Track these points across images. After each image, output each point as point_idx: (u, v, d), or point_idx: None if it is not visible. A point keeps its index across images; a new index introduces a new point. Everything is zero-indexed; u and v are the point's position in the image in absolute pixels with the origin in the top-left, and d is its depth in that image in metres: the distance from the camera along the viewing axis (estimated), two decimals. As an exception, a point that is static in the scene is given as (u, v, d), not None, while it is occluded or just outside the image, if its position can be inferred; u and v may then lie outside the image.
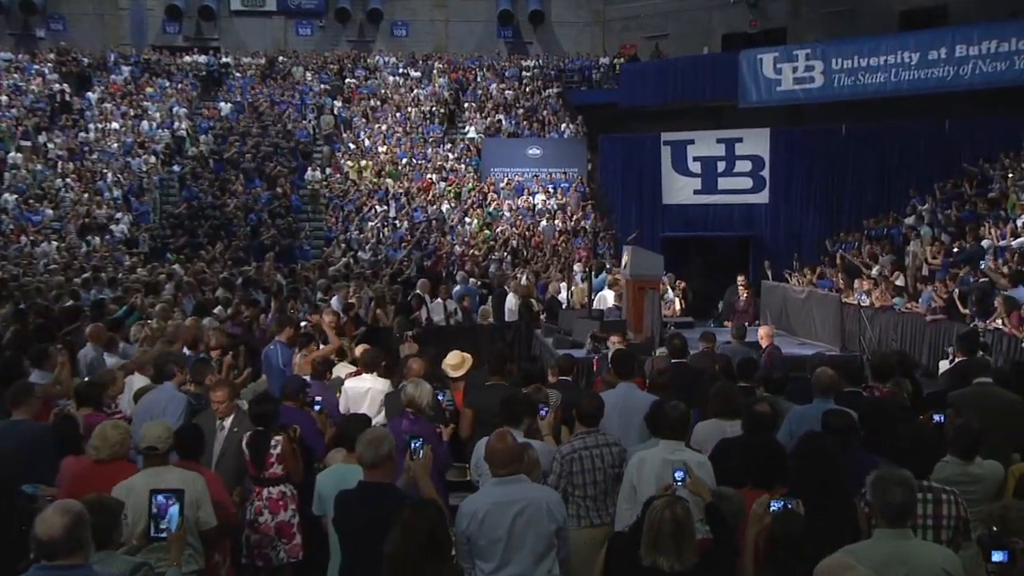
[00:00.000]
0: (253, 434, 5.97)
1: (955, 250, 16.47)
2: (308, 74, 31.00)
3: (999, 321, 12.72)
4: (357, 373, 7.95)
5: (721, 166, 23.39)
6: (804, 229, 23.10)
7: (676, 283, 16.79)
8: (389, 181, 25.33)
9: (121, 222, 21.59)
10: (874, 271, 17.98)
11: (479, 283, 18.22)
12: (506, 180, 25.67)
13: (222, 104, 28.37)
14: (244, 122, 27.39)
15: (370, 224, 22.85)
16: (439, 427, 6.46)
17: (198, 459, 5.37)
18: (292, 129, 27.32)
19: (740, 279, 16.92)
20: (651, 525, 3.71)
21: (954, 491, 4.47)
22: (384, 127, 28.15)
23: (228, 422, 6.31)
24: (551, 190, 25.33)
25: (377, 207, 23.79)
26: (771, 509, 4.12)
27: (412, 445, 4.71)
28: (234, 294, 13.54)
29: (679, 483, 4.56)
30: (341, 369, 8.33)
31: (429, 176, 25.65)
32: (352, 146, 27.16)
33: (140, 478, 4.80)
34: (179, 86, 28.98)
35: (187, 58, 30.87)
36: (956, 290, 14.21)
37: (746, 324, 11.48)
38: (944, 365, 10.27)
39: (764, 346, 10.37)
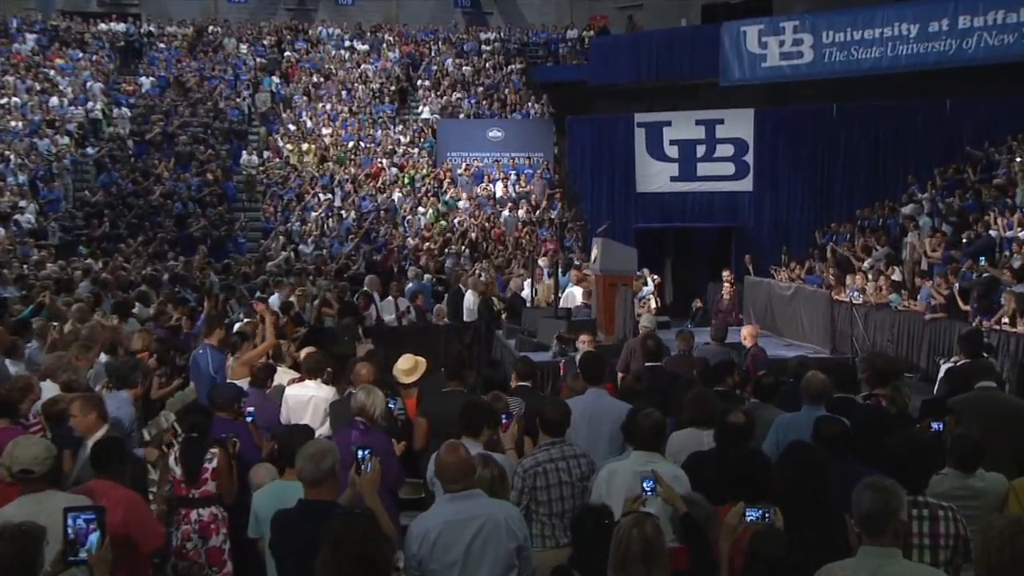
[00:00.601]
0: (186, 443, 5.91)
1: (964, 241, 16.69)
2: (242, 46, 30.74)
3: (1005, 320, 12.89)
4: (299, 379, 7.92)
5: (700, 150, 23.59)
6: (791, 219, 23.38)
7: (651, 279, 16.89)
8: (334, 166, 25.21)
9: (27, 211, 21.22)
10: (866, 264, 18.23)
11: (434, 279, 18.25)
12: (464, 166, 25.70)
13: (143, 79, 28.01)
14: (169, 99, 27.09)
15: (313, 214, 22.72)
16: (393, 440, 6.45)
17: (119, 477, 5.29)
18: (224, 108, 27.06)
19: (726, 274, 17.10)
20: (618, 545, 3.72)
21: (952, 507, 4.47)
22: (328, 106, 28.00)
23: (92, 441, 5.63)
24: (514, 177, 25.39)
25: (321, 195, 23.66)
26: (746, 518, 4.14)
27: (359, 455, 4.70)
28: (159, 292, 13.40)
29: (648, 493, 4.61)
30: (282, 376, 8.29)
31: (379, 161, 25.58)
32: (292, 127, 26.98)
33: (13, 508, 4.42)
34: (94, 58, 28.56)
35: (103, 26, 30.44)
36: (956, 285, 14.42)
37: (727, 325, 11.58)
38: (945, 369, 10.41)
39: (747, 347, 10.50)
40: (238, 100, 27.60)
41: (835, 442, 5.25)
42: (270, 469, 5.77)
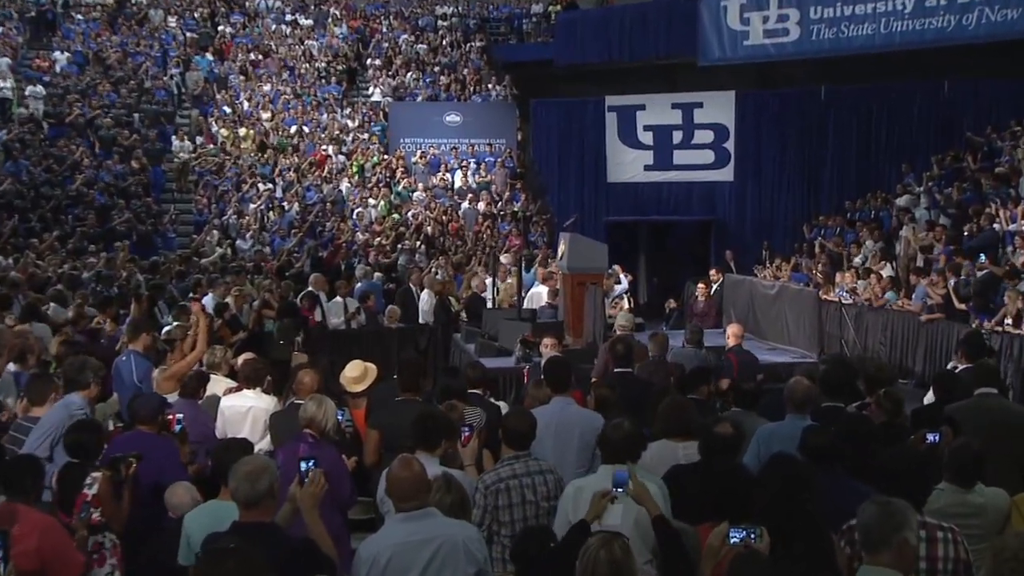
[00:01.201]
0: (65, 468, 5.81)
1: (964, 235, 16.88)
2: (170, 19, 30.44)
3: (1008, 320, 13.04)
4: (237, 389, 7.87)
5: (677, 137, 23.73)
6: (776, 212, 23.60)
7: (623, 276, 16.96)
8: (275, 154, 25.06)
9: (-75, 203, 20.87)
10: (857, 260, 18.41)
11: (386, 278, 18.23)
12: (419, 153, 25.69)
13: (58, 54, 27.58)
14: (88, 78, 26.74)
15: (251, 206, 22.56)
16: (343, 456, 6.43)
17: (33, 499, 5.22)
18: (151, 88, 26.78)
19: (713, 273, 17.22)
20: (584, 569, 3.74)
21: (952, 527, 4.50)
22: (268, 87, 27.82)
23: None
24: (473, 166, 25.43)
25: (260, 185, 23.50)
26: (730, 540, 4.17)
27: (302, 467, 4.69)
28: (75, 293, 13.24)
29: (619, 491, 4.65)
30: (217, 385, 8.24)
31: (324, 148, 25.47)
32: (228, 110, 26.76)
33: None
34: (0, 30, 28.14)
35: (13, -5, 30.01)
36: (952, 282, 14.58)
37: (702, 328, 11.67)
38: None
39: (731, 346, 10.63)
40: (166, 79, 27.32)
41: (824, 454, 5.30)
42: (189, 488, 5.71)
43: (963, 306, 14.20)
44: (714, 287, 16.64)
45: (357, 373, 7.96)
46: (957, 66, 22.35)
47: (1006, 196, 17.32)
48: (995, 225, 16.41)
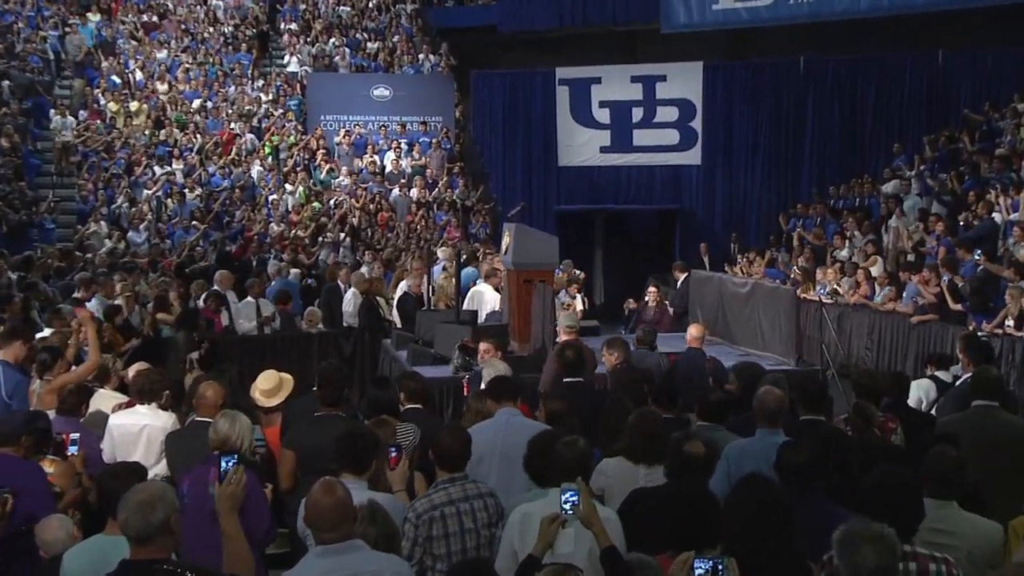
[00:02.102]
0: None
1: (961, 225, 17.14)
2: (48, -27, 29.93)
3: (1010, 322, 13.26)
4: (128, 404, 7.77)
5: (637, 114, 23.88)
6: (749, 200, 23.87)
7: (577, 275, 17.01)
8: (174, 132, 24.77)
9: None
10: (843, 254, 18.58)
11: (305, 276, 18.10)
12: (342, 133, 25.59)
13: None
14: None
15: (146, 193, 22.31)
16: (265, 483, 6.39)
17: None
18: (23, 53, 26.30)
19: (676, 268, 17.26)
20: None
21: (946, 558, 4.55)
22: (164, 54, 27.49)
23: None
24: (405, 147, 25.36)
25: (156, 168, 23.26)
26: (695, 572, 4.19)
27: (223, 465, 4.78)
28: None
29: (569, 512, 4.70)
30: (104, 400, 8.14)
31: (232, 126, 25.24)
32: (117, 80, 26.39)
33: None
34: None
35: None
36: (946, 278, 14.76)
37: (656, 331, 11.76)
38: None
39: (693, 350, 10.73)
40: (41, 43, 26.85)
41: (799, 474, 5.36)
42: (64, 522, 5.61)
43: (959, 306, 14.39)
44: (678, 283, 16.70)
45: (270, 385, 7.91)
46: (953, 34, 22.73)
47: (1008, 181, 17.53)
48: (995, 214, 16.61)
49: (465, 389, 9.93)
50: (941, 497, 5.14)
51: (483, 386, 7.41)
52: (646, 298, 15.74)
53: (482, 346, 9.69)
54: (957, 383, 9.16)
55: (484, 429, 6.48)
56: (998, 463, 6.27)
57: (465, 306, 14.24)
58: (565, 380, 8.42)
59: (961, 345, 9.33)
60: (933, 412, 9.07)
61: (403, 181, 24.16)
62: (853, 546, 3.89)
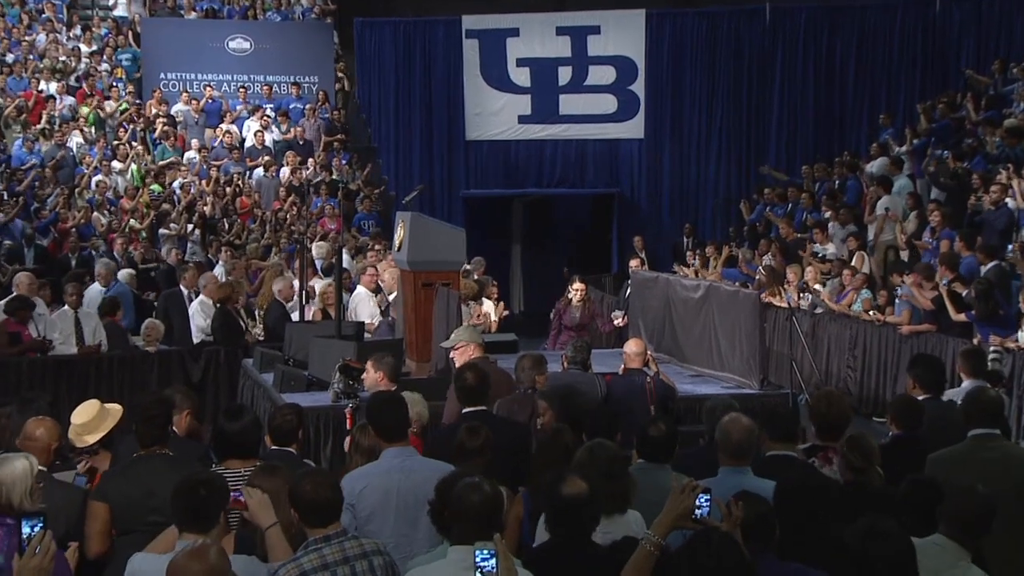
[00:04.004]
0: None
1: (967, 212, 17.32)
2: None
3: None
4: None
5: (565, 75, 23.93)
6: (703, 181, 24.02)
7: (488, 279, 16.96)
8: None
9: None
10: (829, 251, 18.66)
11: (141, 278, 17.81)
12: (186, 96, 25.26)
13: None
14: None
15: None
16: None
17: None
18: None
19: (633, 263, 17.26)
20: None
21: None
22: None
23: None
24: (271, 115, 25.10)
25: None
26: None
27: (24, 530, 4.76)
28: None
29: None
30: None
31: (42, 86, 24.82)
32: None
33: None
34: None
35: None
36: (946, 280, 14.88)
37: (589, 346, 11.69)
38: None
39: (632, 372, 10.70)
40: None
41: (763, 527, 5.35)
42: None
43: (962, 316, 14.52)
44: (627, 290, 16.67)
45: (86, 418, 7.73)
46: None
47: (1020, 157, 17.68)
48: (1008, 201, 16.72)
49: (348, 421, 9.82)
50: (965, 544, 5.28)
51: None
52: (569, 294, 15.24)
53: (368, 366, 9.56)
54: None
55: (370, 472, 6.42)
56: (1006, 509, 6.25)
57: (348, 316, 14.15)
58: (464, 411, 8.34)
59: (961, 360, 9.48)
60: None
61: (268, 159, 23.97)
62: None
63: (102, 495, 6.77)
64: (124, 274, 17.59)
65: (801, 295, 17.33)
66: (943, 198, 18.29)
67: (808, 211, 20.76)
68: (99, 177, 22.50)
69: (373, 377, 9.51)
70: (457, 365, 9.83)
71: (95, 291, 16.25)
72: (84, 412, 7.78)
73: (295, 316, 15.34)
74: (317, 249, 18.33)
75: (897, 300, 15.99)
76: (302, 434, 7.85)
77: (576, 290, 15.10)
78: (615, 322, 15.70)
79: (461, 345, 10.15)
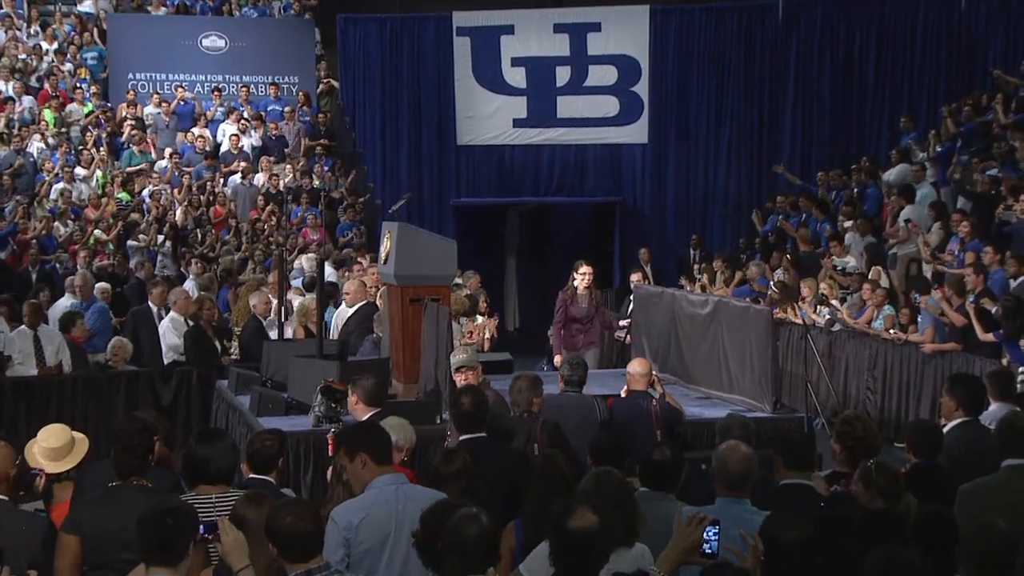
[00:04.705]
0: None
1: (995, 222, 17.28)
2: None
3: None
4: None
5: (563, 76, 23.93)
6: (711, 189, 23.98)
7: (481, 292, 16.97)
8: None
9: None
10: (840, 263, 18.63)
11: (108, 294, 17.78)
12: (156, 98, 25.27)
13: None
14: None
15: None
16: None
17: None
18: None
19: (634, 278, 17.22)
20: None
21: None
22: None
23: None
24: (248, 119, 25.12)
25: None
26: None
27: None
28: None
29: None
30: None
31: (0, 86, 24.80)
32: None
33: None
34: None
35: None
36: (974, 296, 14.88)
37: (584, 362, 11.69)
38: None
39: (636, 394, 10.68)
40: None
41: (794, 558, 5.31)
42: None
43: (990, 334, 14.50)
44: (629, 306, 16.63)
45: (58, 443, 7.73)
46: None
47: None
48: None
49: (331, 447, 9.81)
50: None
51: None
52: (574, 281, 15.09)
53: (353, 389, 9.55)
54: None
55: (357, 506, 6.37)
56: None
57: (331, 334, 14.15)
58: (462, 438, 8.34)
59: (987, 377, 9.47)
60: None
61: (245, 164, 23.95)
62: None
63: (74, 527, 6.70)
64: (89, 288, 17.58)
65: (817, 311, 17.31)
66: (969, 208, 18.27)
67: (821, 221, 20.69)
68: (61, 185, 22.49)
69: (350, 400, 9.51)
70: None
71: (60, 308, 16.26)
72: (56, 435, 7.78)
73: (273, 334, 15.36)
74: (300, 264, 18.37)
75: (920, 316, 15.97)
76: (282, 462, 7.82)
77: (583, 275, 15.01)
78: (616, 334, 15.67)
79: (466, 370, 10.14)
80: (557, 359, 14.57)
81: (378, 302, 15.47)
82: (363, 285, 15.74)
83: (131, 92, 25.34)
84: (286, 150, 24.58)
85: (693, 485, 7.27)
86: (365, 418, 8.72)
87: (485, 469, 7.53)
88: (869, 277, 17.52)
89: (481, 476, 7.35)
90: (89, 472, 7.70)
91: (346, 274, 17.39)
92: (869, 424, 7.83)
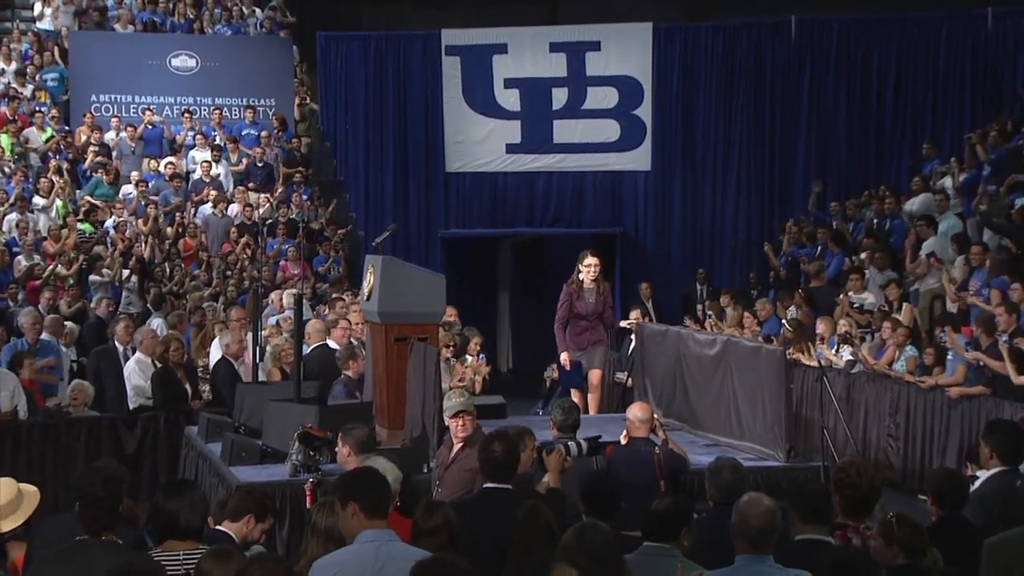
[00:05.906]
0: None
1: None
2: None
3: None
4: None
5: (559, 98, 23.97)
6: (718, 220, 23.99)
7: (473, 330, 16.95)
8: None
9: None
10: (868, 301, 18.59)
11: (68, 333, 17.75)
12: (117, 122, 25.29)
13: None
14: None
15: None
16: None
17: None
18: None
19: (633, 315, 17.18)
20: None
21: None
22: None
23: None
24: (220, 144, 25.14)
25: None
26: None
27: None
28: None
29: None
30: None
31: (-47, 107, 24.86)
32: None
33: None
34: None
35: None
36: (1006, 337, 14.86)
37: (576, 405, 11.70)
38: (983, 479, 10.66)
39: (637, 440, 10.71)
40: None
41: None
42: None
43: (1023, 378, 14.47)
44: (630, 346, 16.62)
45: (7, 498, 7.72)
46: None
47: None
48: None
49: (308, 499, 9.77)
50: None
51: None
52: (579, 274, 15.10)
53: (343, 438, 9.52)
54: (977, 483, 9.11)
55: (343, 561, 6.34)
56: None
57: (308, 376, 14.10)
58: (486, 486, 8.29)
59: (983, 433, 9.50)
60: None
61: (217, 193, 23.93)
62: None
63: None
64: (46, 327, 17.53)
65: (838, 351, 17.25)
66: (997, 242, 18.25)
67: (837, 254, 20.63)
68: (13, 216, 22.42)
69: (341, 452, 9.48)
70: (459, 436, 9.92)
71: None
72: (4, 491, 7.76)
73: (246, 376, 15.33)
74: (278, 299, 18.35)
75: (949, 357, 15.89)
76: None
77: (588, 267, 14.96)
78: (617, 375, 15.66)
79: (464, 415, 10.09)
80: (564, 356, 14.63)
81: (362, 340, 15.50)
82: (323, 325, 15.73)
83: (88, 116, 25.32)
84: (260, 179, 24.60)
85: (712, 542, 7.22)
86: (355, 468, 8.68)
87: (507, 523, 7.49)
88: (898, 315, 17.37)
89: (502, 530, 7.32)
90: (47, 526, 7.68)
91: (327, 311, 17.35)
92: (866, 469, 7.77)
